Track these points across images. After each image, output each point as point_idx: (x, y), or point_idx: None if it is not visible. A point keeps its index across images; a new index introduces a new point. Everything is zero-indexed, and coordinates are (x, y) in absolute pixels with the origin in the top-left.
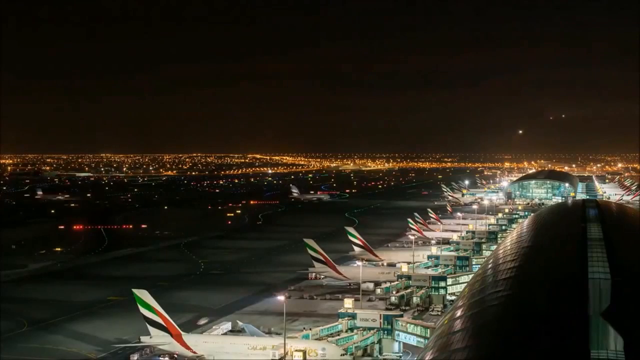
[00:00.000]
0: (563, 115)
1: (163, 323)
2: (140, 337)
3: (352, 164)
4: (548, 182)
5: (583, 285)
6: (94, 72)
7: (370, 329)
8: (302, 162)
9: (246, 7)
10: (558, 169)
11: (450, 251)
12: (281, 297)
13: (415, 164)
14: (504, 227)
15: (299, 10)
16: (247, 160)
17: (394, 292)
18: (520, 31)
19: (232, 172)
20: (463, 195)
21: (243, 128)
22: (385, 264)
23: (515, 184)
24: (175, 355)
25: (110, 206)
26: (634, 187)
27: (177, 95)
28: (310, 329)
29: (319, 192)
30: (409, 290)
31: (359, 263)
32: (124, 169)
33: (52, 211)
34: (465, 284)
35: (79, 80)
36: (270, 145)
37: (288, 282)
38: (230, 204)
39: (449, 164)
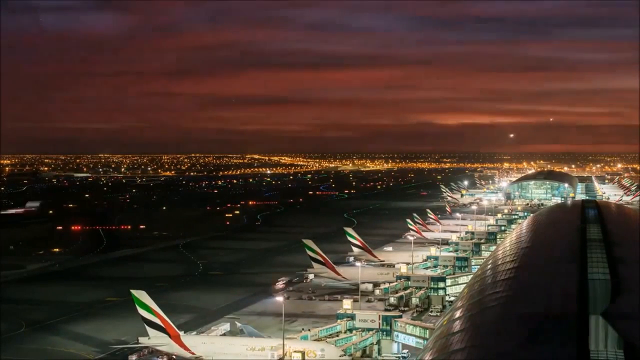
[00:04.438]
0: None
1: (161, 324)
2: (139, 338)
3: (350, 165)
4: (547, 182)
5: (582, 286)
6: (93, 72)
7: (369, 329)
8: (301, 163)
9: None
10: (557, 170)
11: (450, 252)
12: (280, 298)
13: (415, 164)
14: (503, 228)
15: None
16: (245, 161)
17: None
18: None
19: (230, 172)
20: (462, 195)
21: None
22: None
23: (515, 185)
24: (174, 356)
25: (108, 207)
26: (633, 188)
27: (178, 96)
28: (309, 330)
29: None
30: (408, 291)
31: (358, 263)
32: (122, 169)
33: None
34: (465, 285)
35: (78, 79)
36: (270, 145)
37: (286, 282)
38: (228, 205)
39: (447, 164)
